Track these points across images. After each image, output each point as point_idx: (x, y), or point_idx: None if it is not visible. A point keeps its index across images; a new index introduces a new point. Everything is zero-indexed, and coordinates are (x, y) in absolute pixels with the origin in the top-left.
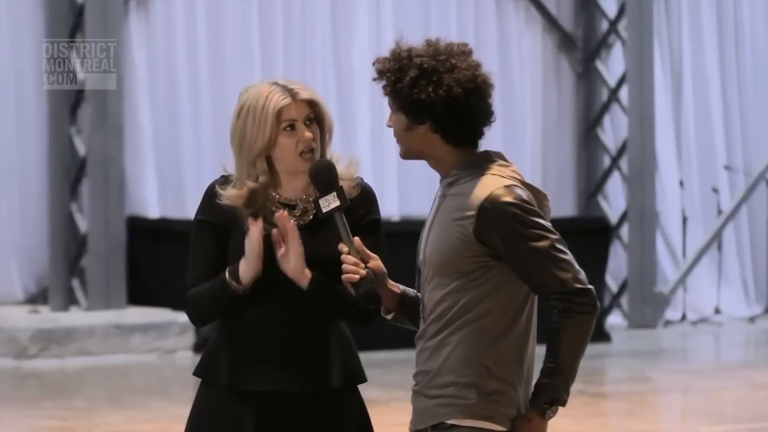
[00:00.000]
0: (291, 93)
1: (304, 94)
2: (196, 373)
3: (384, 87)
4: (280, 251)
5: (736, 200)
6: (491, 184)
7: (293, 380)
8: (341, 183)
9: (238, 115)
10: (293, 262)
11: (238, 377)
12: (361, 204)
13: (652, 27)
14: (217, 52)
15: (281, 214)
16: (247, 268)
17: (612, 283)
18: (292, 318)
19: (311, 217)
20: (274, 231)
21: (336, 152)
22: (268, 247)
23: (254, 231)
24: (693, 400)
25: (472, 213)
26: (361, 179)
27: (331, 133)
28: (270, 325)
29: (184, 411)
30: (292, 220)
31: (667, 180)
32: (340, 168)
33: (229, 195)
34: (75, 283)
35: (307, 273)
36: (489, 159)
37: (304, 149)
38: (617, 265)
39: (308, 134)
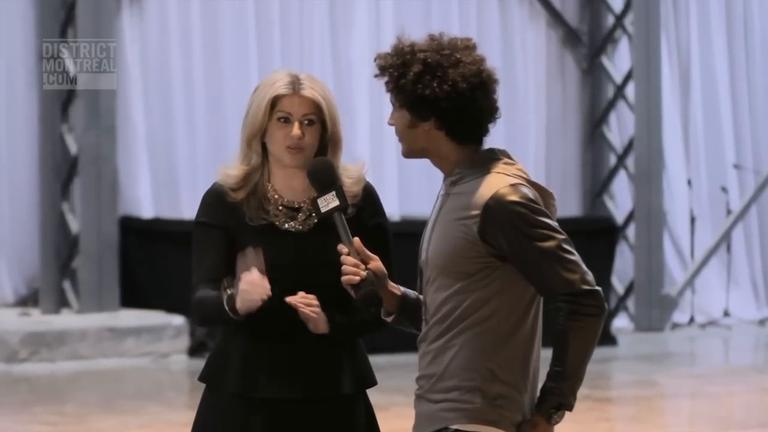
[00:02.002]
0: (294, 86)
1: (306, 92)
2: (202, 379)
3: (386, 83)
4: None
5: (745, 200)
6: (496, 183)
7: (305, 388)
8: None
9: (253, 93)
10: (313, 327)
11: (248, 384)
12: (365, 206)
13: (659, 22)
14: (213, 49)
15: (295, 300)
16: (242, 305)
17: (618, 284)
18: (303, 325)
19: (316, 220)
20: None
21: (347, 165)
22: (279, 251)
23: (254, 271)
24: (701, 404)
25: (477, 212)
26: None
27: (334, 146)
28: (281, 332)
29: (178, 416)
30: (304, 300)
31: (674, 179)
32: (349, 183)
33: (225, 172)
34: (66, 284)
35: (326, 324)
36: (494, 157)
37: (290, 144)
38: (623, 266)
39: (296, 131)
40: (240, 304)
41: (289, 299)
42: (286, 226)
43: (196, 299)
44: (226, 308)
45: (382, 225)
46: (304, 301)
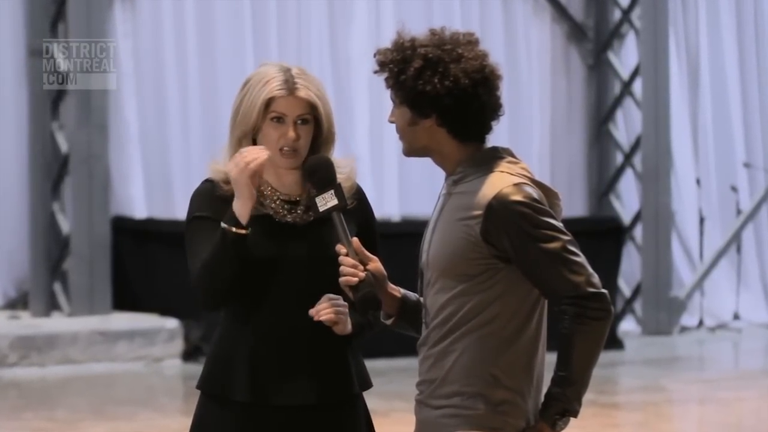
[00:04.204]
0: (289, 86)
1: (302, 92)
2: (205, 389)
3: (386, 80)
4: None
5: (756, 199)
6: (499, 182)
7: (318, 391)
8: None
9: (241, 88)
10: (342, 329)
11: (260, 393)
12: (363, 204)
13: (667, 16)
14: (207, 45)
15: (317, 310)
16: (240, 202)
17: (625, 287)
18: (311, 328)
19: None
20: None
21: (338, 162)
22: (288, 243)
23: (249, 151)
24: (710, 410)
25: (479, 212)
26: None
27: (328, 143)
28: (289, 337)
29: (171, 422)
30: (322, 309)
31: (683, 178)
32: (342, 179)
33: (216, 168)
34: (57, 287)
35: (349, 327)
36: (497, 155)
37: (285, 146)
38: (630, 268)
39: (291, 133)
40: (235, 203)
41: (314, 311)
42: (288, 218)
43: (197, 271)
44: (227, 227)
45: (373, 225)
46: (329, 304)
